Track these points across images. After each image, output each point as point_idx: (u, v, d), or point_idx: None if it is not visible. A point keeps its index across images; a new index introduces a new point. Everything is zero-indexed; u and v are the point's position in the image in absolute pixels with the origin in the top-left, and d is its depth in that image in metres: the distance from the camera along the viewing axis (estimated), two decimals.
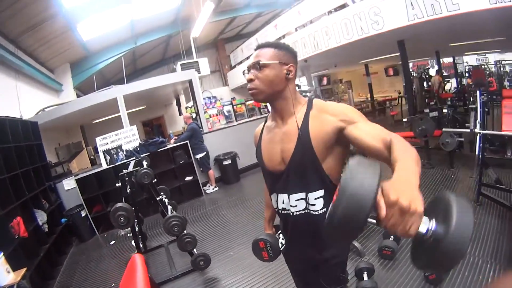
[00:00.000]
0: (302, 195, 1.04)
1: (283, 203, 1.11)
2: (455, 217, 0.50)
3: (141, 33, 7.95)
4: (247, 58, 9.95)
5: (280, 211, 1.15)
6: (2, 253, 2.20)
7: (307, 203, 1.04)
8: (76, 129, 7.69)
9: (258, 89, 1.01)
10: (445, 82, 9.58)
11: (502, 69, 10.32)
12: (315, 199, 1.02)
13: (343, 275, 1.15)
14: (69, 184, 4.50)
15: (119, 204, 2.51)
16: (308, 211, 1.05)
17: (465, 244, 0.49)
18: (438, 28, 4.85)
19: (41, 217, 3.61)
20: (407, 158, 0.67)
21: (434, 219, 0.54)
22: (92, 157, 6.25)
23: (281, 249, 1.23)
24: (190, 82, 6.21)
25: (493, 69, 10.76)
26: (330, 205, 0.57)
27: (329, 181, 1.01)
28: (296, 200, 1.06)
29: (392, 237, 2.56)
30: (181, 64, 7.91)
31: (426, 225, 0.53)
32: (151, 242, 3.74)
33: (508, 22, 4.40)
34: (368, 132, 0.88)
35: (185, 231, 2.73)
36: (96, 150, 6.13)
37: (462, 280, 2.06)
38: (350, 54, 7.41)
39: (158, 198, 3.12)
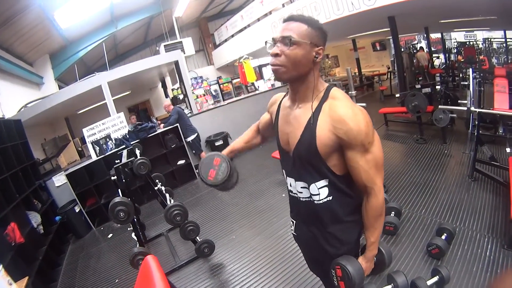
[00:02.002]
0: (305, 184, 1.04)
1: (290, 185, 1.12)
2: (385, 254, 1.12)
3: (121, 16, 7.54)
4: (232, 36, 9.64)
5: (289, 192, 1.17)
6: (1, 265, 2.07)
7: (310, 193, 1.04)
8: (61, 122, 7.39)
9: (284, 66, 0.92)
10: (433, 58, 9.65)
11: (490, 46, 10.48)
12: (319, 188, 1.01)
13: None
14: (59, 180, 4.34)
15: (118, 199, 2.42)
16: (312, 200, 1.05)
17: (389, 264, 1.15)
18: (431, 5, 4.78)
19: (35, 218, 3.50)
20: (374, 233, 1.03)
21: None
22: (79, 149, 6.05)
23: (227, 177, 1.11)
24: (176, 63, 6.02)
25: (480, 46, 10.89)
26: None
27: (332, 174, 0.99)
28: (301, 187, 1.06)
29: (393, 212, 2.60)
30: (164, 46, 7.67)
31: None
32: (149, 232, 3.69)
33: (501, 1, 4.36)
34: (358, 169, 0.93)
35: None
36: (83, 140, 5.94)
37: (463, 253, 2.16)
38: (339, 29, 7.27)
39: (156, 188, 3.04)
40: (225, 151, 1.29)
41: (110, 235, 4.00)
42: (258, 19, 7.99)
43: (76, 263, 3.53)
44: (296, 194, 1.10)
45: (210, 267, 2.68)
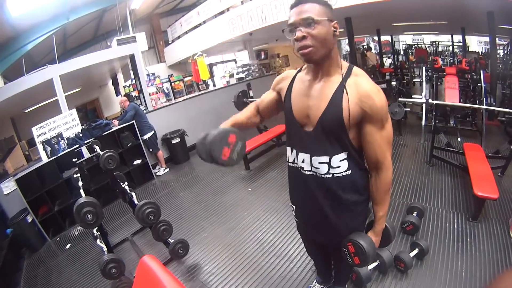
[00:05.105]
0: (326, 158, 1.04)
1: (303, 162, 1.11)
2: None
3: (75, 6, 6.92)
4: (186, 32, 9.31)
5: (298, 168, 1.14)
6: None
7: (330, 166, 1.05)
8: (6, 123, 6.54)
9: (314, 47, 0.93)
10: (383, 59, 10.43)
11: (436, 49, 11.92)
12: (340, 161, 1.04)
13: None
14: (8, 187, 3.79)
15: (83, 199, 2.16)
16: (332, 175, 1.06)
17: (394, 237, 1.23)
18: (388, 8, 5.02)
19: None
20: (383, 207, 1.10)
21: None
22: (26, 153, 5.41)
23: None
24: (132, 56, 5.71)
25: (427, 48, 12.07)
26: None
27: (352, 147, 1.03)
28: (319, 163, 1.06)
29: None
30: (117, 40, 7.19)
31: None
32: (111, 238, 3.34)
33: (453, 8, 4.78)
34: (373, 143, 1.00)
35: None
36: (30, 144, 5.34)
37: (433, 228, 2.38)
38: None
39: (123, 186, 2.82)
40: (227, 124, 1.14)
41: (68, 246, 3.60)
42: (215, 16, 7.86)
43: (35, 280, 3.08)
44: (309, 170, 1.09)
45: (187, 269, 2.52)
